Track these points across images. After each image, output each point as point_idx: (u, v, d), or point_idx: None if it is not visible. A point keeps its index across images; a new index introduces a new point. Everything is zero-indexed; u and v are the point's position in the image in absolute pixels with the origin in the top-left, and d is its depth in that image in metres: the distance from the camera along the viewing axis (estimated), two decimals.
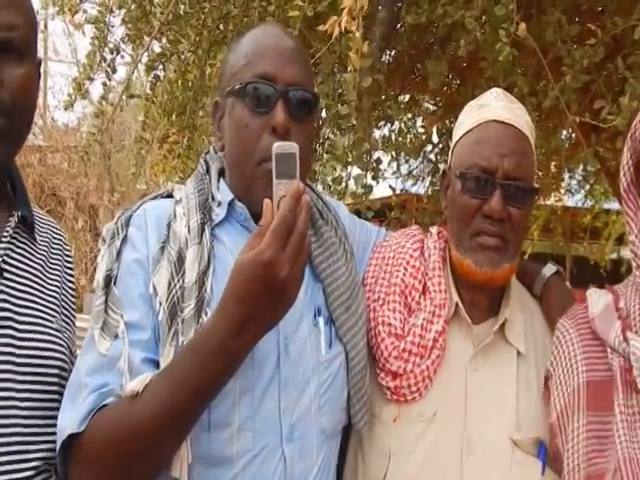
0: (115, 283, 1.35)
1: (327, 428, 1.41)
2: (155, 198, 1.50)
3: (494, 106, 1.58)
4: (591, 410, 1.36)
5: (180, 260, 1.33)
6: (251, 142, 1.38)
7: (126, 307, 1.32)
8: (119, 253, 1.37)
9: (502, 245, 1.51)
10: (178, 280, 1.31)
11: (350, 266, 1.53)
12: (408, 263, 1.59)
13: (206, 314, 1.29)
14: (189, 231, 1.36)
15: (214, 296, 1.30)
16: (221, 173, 1.51)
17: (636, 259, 1.36)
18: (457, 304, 1.56)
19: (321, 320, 1.45)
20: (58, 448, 1.25)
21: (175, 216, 1.39)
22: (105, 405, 1.24)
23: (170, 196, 1.48)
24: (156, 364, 1.28)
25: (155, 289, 1.32)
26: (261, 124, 1.38)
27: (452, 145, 1.65)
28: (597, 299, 1.44)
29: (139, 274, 1.34)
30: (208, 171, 1.50)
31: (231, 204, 1.43)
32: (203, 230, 1.37)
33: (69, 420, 1.24)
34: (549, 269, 1.67)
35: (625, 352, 1.33)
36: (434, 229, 1.68)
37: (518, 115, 1.57)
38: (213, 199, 1.44)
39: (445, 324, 1.53)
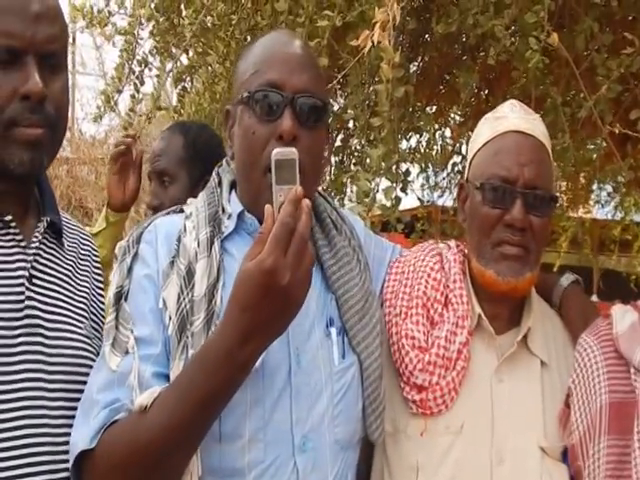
0: (126, 299, 1.35)
1: (341, 439, 1.40)
2: (168, 214, 1.52)
3: (511, 117, 1.59)
4: (612, 433, 1.33)
5: (189, 274, 1.33)
6: (258, 149, 1.38)
7: (136, 322, 1.33)
8: (130, 269, 1.38)
9: (524, 254, 1.52)
10: (187, 293, 1.32)
11: (364, 276, 1.52)
12: (429, 276, 1.60)
13: (216, 326, 1.28)
14: (198, 244, 1.37)
15: (224, 309, 1.29)
16: (233, 186, 1.51)
17: None
18: (480, 315, 1.56)
19: (333, 330, 1.45)
20: (71, 465, 1.25)
21: (185, 230, 1.40)
22: (116, 421, 1.25)
23: (182, 211, 1.49)
24: (167, 378, 1.28)
25: (165, 303, 1.33)
26: (268, 132, 1.38)
27: (469, 158, 1.66)
28: (622, 317, 1.42)
29: (149, 289, 1.35)
30: (220, 184, 1.51)
31: (240, 216, 1.44)
32: (212, 243, 1.37)
33: (80, 437, 1.25)
34: (567, 278, 1.68)
35: None
36: (452, 242, 1.69)
37: (535, 125, 1.59)
38: (223, 211, 1.44)
39: (469, 335, 1.53)
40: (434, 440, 1.51)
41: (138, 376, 1.28)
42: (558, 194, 5.07)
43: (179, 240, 1.39)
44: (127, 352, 1.31)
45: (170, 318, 1.32)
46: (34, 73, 1.26)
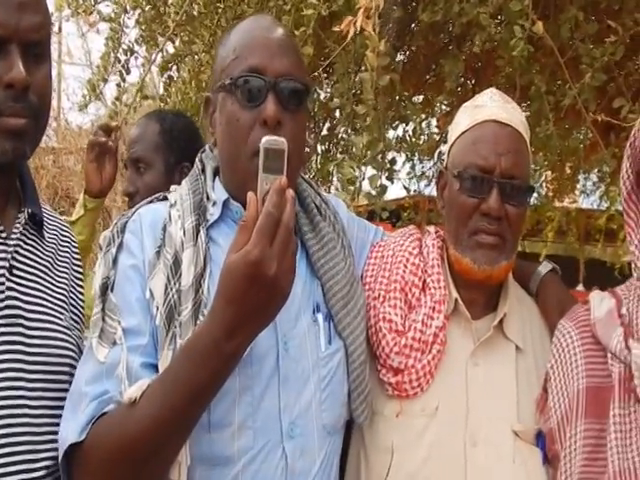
0: (112, 290, 1.35)
1: (328, 424, 1.42)
2: (151, 202, 1.50)
3: (489, 106, 1.60)
4: (589, 417, 1.35)
5: (176, 263, 1.33)
6: (242, 136, 1.37)
7: (123, 313, 1.32)
8: (115, 260, 1.37)
9: (500, 243, 1.53)
10: (175, 283, 1.31)
11: (348, 261, 1.53)
12: (408, 260, 1.61)
13: (203, 316, 1.29)
14: (184, 233, 1.36)
15: (211, 298, 1.29)
16: (216, 172, 1.50)
17: (637, 269, 1.37)
18: (456, 300, 1.58)
19: (320, 316, 1.45)
20: (60, 458, 1.24)
21: (170, 219, 1.39)
22: (105, 413, 1.24)
23: (166, 199, 1.48)
24: (156, 368, 1.28)
25: (152, 293, 1.32)
26: (252, 117, 1.37)
27: (448, 145, 1.67)
28: (600, 303, 1.44)
29: (136, 280, 1.35)
30: (203, 170, 1.50)
31: (226, 203, 1.43)
32: (198, 232, 1.37)
33: (70, 430, 1.24)
34: (544, 267, 1.70)
35: (626, 360, 1.33)
36: (432, 228, 1.71)
37: (513, 114, 1.59)
38: (208, 199, 1.44)
39: (445, 319, 1.55)
40: (409, 422, 1.53)
41: (127, 367, 1.27)
42: (543, 184, 5.07)
43: (164, 229, 1.38)
44: (115, 343, 1.31)
45: (157, 308, 1.31)
46: (18, 62, 1.25)
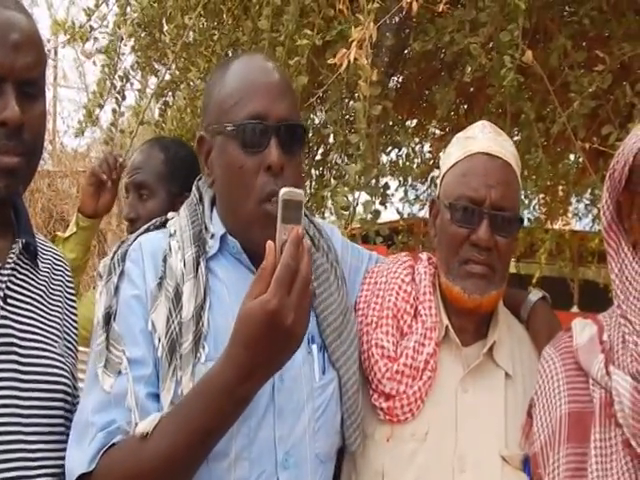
0: (115, 319, 1.36)
1: (321, 453, 1.44)
2: (148, 229, 1.52)
3: (480, 138, 1.64)
4: (571, 442, 1.37)
5: (177, 296, 1.35)
6: (247, 183, 1.39)
7: (128, 343, 1.34)
8: (117, 289, 1.39)
9: (489, 273, 1.57)
10: (176, 316, 1.33)
11: (342, 292, 1.55)
12: (400, 288, 1.64)
13: (203, 348, 1.32)
14: (184, 265, 1.38)
15: (211, 330, 1.34)
16: (213, 202, 1.52)
17: (617, 297, 1.39)
18: (447, 327, 1.61)
19: (314, 347, 1.47)
20: None
21: (170, 250, 1.41)
22: (114, 444, 1.25)
23: (164, 224, 1.50)
24: (158, 398, 1.30)
25: (154, 326, 1.34)
26: (256, 164, 1.39)
27: (440, 176, 1.70)
28: (582, 330, 1.46)
29: (138, 310, 1.36)
30: (201, 199, 1.52)
31: (223, 238, 1.45)
32: (198, 263, 1.39)
33: (77, 460, 1.26)
34: (535, 295, 1.73)
35: (607, 385, 1.34)
36: (424, 255, 1.73)
37: (504, 147, 1.63)
38: (207, 230, 1.45)
39: (436, 346, 1.57)
40: (399, 446, 1.55)
41: (135, 397, 1.29)
42: (536, 207, 5.08)
43: (165, 260, 1.40)
44: (120, 373, 1.32)
45: (159, 340, 1.33)
46: (12, 101, 1.26)
